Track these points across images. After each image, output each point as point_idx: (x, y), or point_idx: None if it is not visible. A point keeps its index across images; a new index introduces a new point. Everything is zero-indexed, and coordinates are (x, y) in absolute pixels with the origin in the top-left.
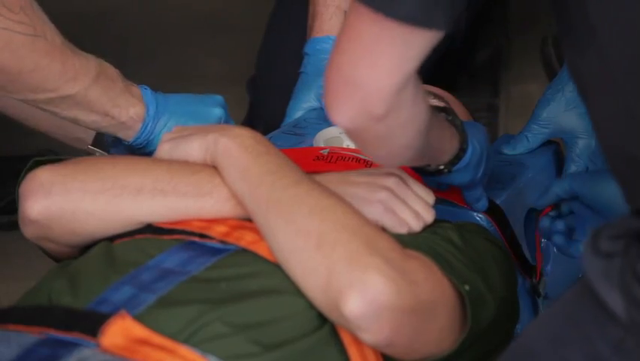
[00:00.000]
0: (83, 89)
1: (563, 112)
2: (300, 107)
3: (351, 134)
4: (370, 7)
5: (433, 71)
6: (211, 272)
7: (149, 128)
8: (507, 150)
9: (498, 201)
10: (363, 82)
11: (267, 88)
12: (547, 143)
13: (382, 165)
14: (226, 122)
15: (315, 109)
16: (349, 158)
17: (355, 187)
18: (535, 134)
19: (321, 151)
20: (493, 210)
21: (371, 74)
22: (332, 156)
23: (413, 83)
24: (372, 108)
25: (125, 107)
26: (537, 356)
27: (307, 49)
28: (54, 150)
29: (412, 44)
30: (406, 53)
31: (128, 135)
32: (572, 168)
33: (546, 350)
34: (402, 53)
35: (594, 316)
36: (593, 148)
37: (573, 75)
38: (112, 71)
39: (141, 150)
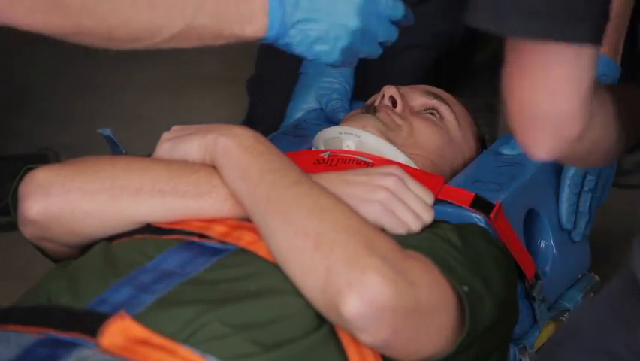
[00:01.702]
0: (186, 24)
1: None
2: (300, 108)
3: (557, 160)
4: (539, 38)
5: (433, 71)
6: (210, 273)
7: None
8: (507, 151)
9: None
10: (550, 112)
11: (267, 88)
12: None
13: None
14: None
15: (314, 110)
16: (350, 160)
17: (354, 187)
18: None
19: (322, 155)
20: (490, 210)
21: (555, 103)
22: (332, 159)
23: (595, 89)
24: (567, 133)
25: (243, 23)
26: (582, 338)
27: None
28: (54, 150)
29: (584, 61)
30: (581, 72)
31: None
32: (572, 170)
33: (591, 335)
34: (577, 73)
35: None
36: None
37: None
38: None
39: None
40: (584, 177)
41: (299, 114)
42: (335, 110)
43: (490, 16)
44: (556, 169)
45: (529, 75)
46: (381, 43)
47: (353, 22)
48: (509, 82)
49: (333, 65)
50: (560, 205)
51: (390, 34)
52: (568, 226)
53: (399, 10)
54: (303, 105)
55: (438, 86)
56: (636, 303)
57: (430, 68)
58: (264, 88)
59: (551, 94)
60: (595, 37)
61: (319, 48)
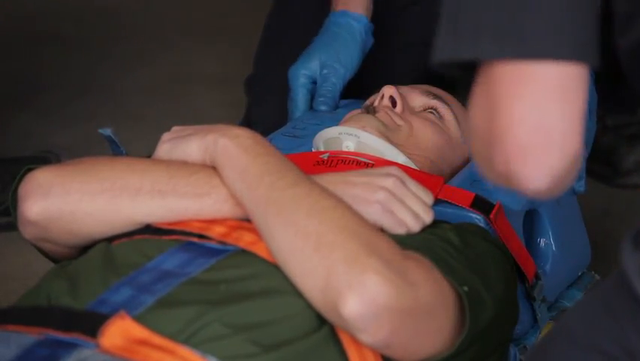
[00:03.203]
0: None
1: None
2: (300, 74)
3: (552, 190)
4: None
5: (433, 72)
6: (210, 274)
7: None
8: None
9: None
10: (557, 127)
11: (265, 88)
12: None
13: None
14: None
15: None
16: (350, 161)
17: (354, 188)
18: None
19: (321, 156)
20: (490, 210)
21: (564, 115)
22: (332, 160)
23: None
24: (572, 150)
25: None
26: (572, 335)
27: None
28: (54, 152)
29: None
30: (576, 82)
31: None
32: None
33: (580, 332)
34: (580, 84)
35: (630, 309)
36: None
37: None
38: None
39: None
40: None
41: (299, 80)
42: (319, 102)
43: (469, 45)
44: None
45: (527, 93)
46: None
47: None
48: (495, 110)
49: None
50: None
51: None
52: None
53: None
54: (302, 71)
55: (438, 87)
56: (624, 297)
57: (430, 68)
58: (261, 88)
59: (562, 112)
60: (579, 53)
61: None
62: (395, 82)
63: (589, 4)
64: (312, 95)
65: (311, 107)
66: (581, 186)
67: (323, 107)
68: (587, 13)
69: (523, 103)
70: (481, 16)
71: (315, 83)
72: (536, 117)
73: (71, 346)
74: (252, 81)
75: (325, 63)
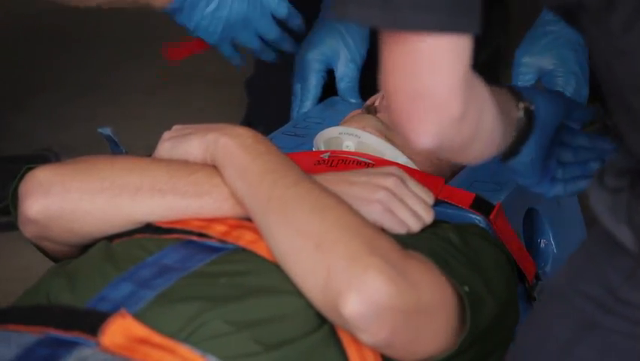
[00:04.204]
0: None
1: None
2: (313, 59)
3: (439, 149)
4: (433, 30)
5: None
6: (211, 267)
7: None
8: None
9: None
10: (431, 89)
11: (265, 88)
12: None
13: (382, 166)
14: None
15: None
16: (350, 160)
17: (354, 187)
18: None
19: (322, 155)
20: (490, 211)
21: (435, 79)
22: (333, 160)
23: (471, 73)
24: (450, 111)
25: None
26: (558, 293)
27: None
28: (53, 151)
29: (463, 43)
30: (460, 51)
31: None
32: None
33: (566, 287)
34: (456, 53)
35: (606, 249)
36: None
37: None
38: None
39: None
40: None
41: (314, 62)
42: (346, 88)
43: (379, 12)
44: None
45: (411, 57)
46: (264, 41)
47: (240, 4)
48: (388, 71)
49: (212, 44)
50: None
51: (270, 31)
52: None
53: (282, 9)
54: (317, 55)
55: None
56: (599, 238)
57: None
58: (262, 88)
59: (432, 73)
60: (476, 28)
61: (202, 22)
62: None
63: None
64: (325, 83)
65: (329, 95)
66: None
67: (349, 94)
68: None
69: (399, 73)
70: None
71: (326, 70)
72: (411, 86)
73: (72, 345)
74: (252, 82)
75: (335, 48)
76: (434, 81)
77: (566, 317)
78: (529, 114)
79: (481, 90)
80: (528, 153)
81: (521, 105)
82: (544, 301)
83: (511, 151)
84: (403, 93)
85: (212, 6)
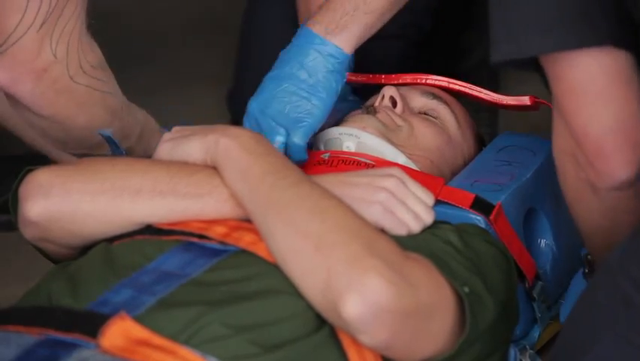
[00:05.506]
0: (129, 147)
1: None
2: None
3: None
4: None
5: (433, 72)
6: (210, 275)
7: None
8: None
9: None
10: (620, 118)
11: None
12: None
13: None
14: None
15: None
16: (350, 161)
17: (355, 188)
18: None
19: (322, 155)
20: (490, 211)
21: (620, 107)
22: (333, 160)
23: None
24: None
25: None
26: (609, 270)
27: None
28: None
29: (623, 60)
30: (628, 71)
31: None
32: None
33: (616, 264)
34: (625, 73)
35: None
36: None
37: None
38: (153, 125)
39: None
40: None
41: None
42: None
43: (508, 48)
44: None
45: (581, 92)
46: None
47: None
48: (567, 112)
49: None
50: None
51: None
52: None
53: None
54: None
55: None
56: None
57: (406, 58)
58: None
59: (613, 100)
60: (614, 37)
61: None
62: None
63: None
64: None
65: None
66: None
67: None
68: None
69: (586, 99)
70: (525, 13)
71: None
72: (607, 110)
73: (72, 346)
74: (233, 95)
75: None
76: (619, 105)
77: (609, 288)
78: None
79: None
80: None
81: None
82: (597, 271)
83: None
84: (590, 127)
85: None
